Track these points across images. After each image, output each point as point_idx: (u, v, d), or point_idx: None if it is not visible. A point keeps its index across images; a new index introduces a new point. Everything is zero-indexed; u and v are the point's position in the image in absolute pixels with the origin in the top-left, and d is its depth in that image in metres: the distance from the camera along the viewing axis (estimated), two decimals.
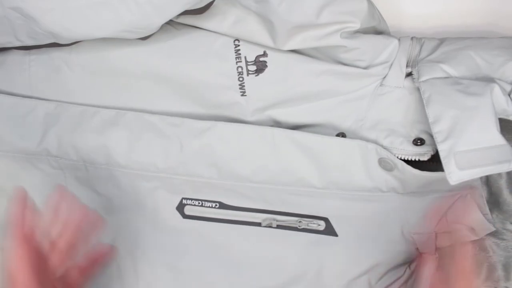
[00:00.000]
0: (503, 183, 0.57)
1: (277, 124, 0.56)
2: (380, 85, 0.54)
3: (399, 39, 0.54)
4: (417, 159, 0.53)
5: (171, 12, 0.49)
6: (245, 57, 0.54)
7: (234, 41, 0.54)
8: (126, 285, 0.59)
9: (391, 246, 0.56)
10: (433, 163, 0.54)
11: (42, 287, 0.45)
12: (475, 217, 0.55)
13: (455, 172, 0.46)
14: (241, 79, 0.54)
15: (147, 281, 0.59)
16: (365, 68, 0.53)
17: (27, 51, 0.56)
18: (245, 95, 0.55)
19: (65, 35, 0.50)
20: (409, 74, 0.53)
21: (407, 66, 0.53)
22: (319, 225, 0.57)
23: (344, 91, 0.54)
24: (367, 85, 0.54)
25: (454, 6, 0.63)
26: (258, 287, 0.58)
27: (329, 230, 0.57)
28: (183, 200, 0.58)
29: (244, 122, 0.56)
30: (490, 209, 0.58)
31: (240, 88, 0.54)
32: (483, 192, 0.58)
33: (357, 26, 0.51)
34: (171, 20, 0.51)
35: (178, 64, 0.55)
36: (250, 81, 0.54)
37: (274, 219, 0.57)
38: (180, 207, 0.58)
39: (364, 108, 0.54)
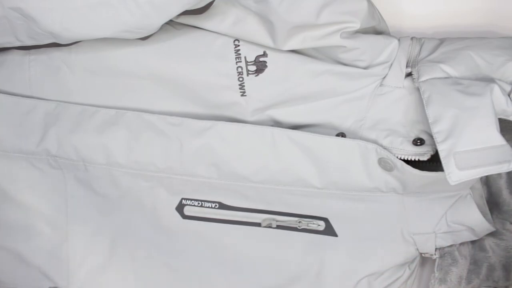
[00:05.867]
0: (503, 183, 0.57)
1: (278, 124, 0.56)
2: (380, 85, 0.54)
3: (399, 39, 0.54)
4: (417, 159, 0.53)
5: (171, 12, 0.49)
6: (245, 57, 0.54)
7: (234, 41, 0.54)
8: (126, 286, 0.59)
9: (391, 246, 0.56)
10: (433, 163, 0.54)
11: None
12: (475, 217, 0.55)
13: (455, 172, 0.46)
14: (241, 79, 0.54)
15: (147, 281, 0.59)
16: (365, 68, 0.53)
17: (27, 51, 0.56)
18: (245, 95, 0.55)
19: (65, 35, 0.50)
20: (409, 74, 0.53)
21: (407, 66, 0.53)
22: (319, 225, 0.57)
23: (344, 91, 0.54)
24: (367, 85, 0.54)
25: (454, 6, 0.63)
26: (258, 287, 0.58)
27: (329, 230, 0.57)
28: (183, 200, 0.58)
29: (244, 122, 0.56)
30: (490, 209, 0.58)
31: (240, 88, 0.54)
32: (483, 192, 0.58)
33: (357, 26, 0.51)
34: (171, 20, 0.51)
35: (178, 64, 0.55)
36: (250, 81, 0.54)
37: (273, 219, 0.57)
38: (180, 208, 0.58)
39: (364, 108, 0.54)
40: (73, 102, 0.57)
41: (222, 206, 0.57)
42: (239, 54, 0.54)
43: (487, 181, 0.59)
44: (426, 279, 0.64)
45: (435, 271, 0.57)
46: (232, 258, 0.58)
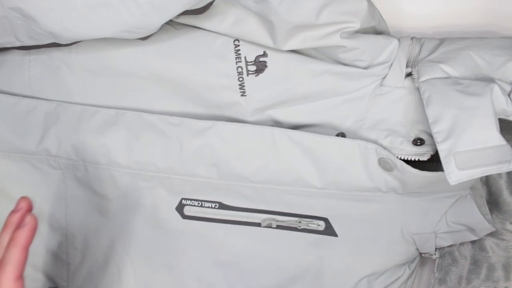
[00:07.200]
0: (503, 183, 0.57)
1: (278, 124, 0.56)
2: (380, 85, 0.54)
3: (399, 39, 0.54)
4: (417, 159, 0.53)
5: (171, 12, 0.49)
6: (245, 57, 0.54)
7: (234, 41, 0.54)
8: (126, 286, 0.59)
9: (391, 246, 0.56)
10: (433, 163, 0.54)
11: None
12: (475, 217, 0.55)
13: (455, 172, 0.46)
14: (241, 79, 0.54)
15: (146, 281, 0.59)
16: (365, 68, 0.53)
17: (27, 51, 0.56)
18: (245, 95, 0.55)
19: (65, 35, 0.50)
20: (409, 74, 0.53)
21: (407, 66, 0.53)
22: (319, 225, 0.57)
23: (344, 91, 0.54)
24: (367, 85, 0.54)
25: (454, 6, 0.63)
26: (257, 287, 0.58)
27: (329, 231, 0.57)
28: (183, 200, 0.58)
29: (245, 122, 0.56)
30: (490, 209, 0.58)
31: (240, 88, 0.54)
32: (483, 192, 0.58)
33: (357, 26, 0.51)
34: (171, 20, 0.51)
35: (178, 64, 0.55)
36: (250, 81, 0.54)
37: (273, 219, 0.57)
38: (180, 208, 0.58)
39: (364, 108, 0.54)
40: (73, 102, 0.57)
41: (222, 206, 0.57)
42: (239, 54, 0.54)
43: (487, 181, 0.59)
44: (426, 279, 0.64)
45: (435, 271, 0.57)
46: (232, 258, 0.58)
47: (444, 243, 0.57)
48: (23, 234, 0.43)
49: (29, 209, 0.45)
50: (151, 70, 0.55)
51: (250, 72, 0.54)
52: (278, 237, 0.57)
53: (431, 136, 0.51)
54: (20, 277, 0.43)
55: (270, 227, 0.57)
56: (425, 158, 0.53)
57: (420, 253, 0.58)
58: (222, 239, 0.58)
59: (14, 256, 0.42)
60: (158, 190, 0.57)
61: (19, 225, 0.44)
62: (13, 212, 0.45)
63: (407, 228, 0.56)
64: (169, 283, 0.59)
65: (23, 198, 0.46)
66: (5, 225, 0.45)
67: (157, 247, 0.58)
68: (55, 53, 0.56)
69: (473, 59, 0.51)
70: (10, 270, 0.42)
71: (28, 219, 0.44)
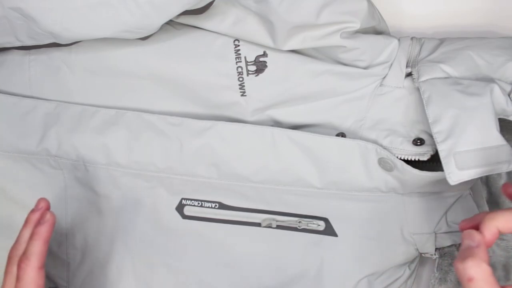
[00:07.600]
0: (502, 183, 0.57)
1: (278, 124, 0.56)
2: (380, 85, 0.54)
3: (399, 39, 0.54)
4: (417, 159, 0.53)
5: (171, 12, 0.49)
6: (245, 57, 0.54)
7: (234, 41, 0.54)
8: (126, 286, 0.59)
9: (391, 246, 0.56)
10: (433, 163, 0.54)
11: None
12: None
13: (455, 172, 0.46)
14: (241, 79, 0.54)
15: (147, 282, 0.59)
16: (365, 68, 0.53)
17: (27, 51, 0.56)
18: (245, 95, 0.55)
19: (65, 35, 0.50)
20: (409, 74, 0.53)
21: (407, 66, 0.53)
22: (319, 225, 0.57)
23: (344, 91, 0.54)
24: (367, 85, 0.54)
25: (454, 6, 0.63)
26: (257, 287, 0.58)
27: (329, 231, 0.57)
28: (183, 200, 0.58)
29: (245, 122, 0.56)
30: (490, 209, 0.58)
31: (240, 88, 0.54)
32: (483, 192, 0.58)
33: (357, 26, 0.51)
34: (171, 20, 0.51)
35: (177, 64, 0.55)
36: (250, 81, 0.54)
37: (273, 219, 0.57)
38: (180, 208, 0.58)
39: (364, 108, 0.54)
40: (73, 102, 0.57)
41: (222, 206, 0.57)
42: (239, 54, 0.54)
43: (487, 181, 0.59)
44: (426, 279, 0.64)
45: (435, 271, 0.57)
46: (232, 258, 0.58)
47: (444, 243, 0.57)
48: (44, 229, 0.48)
49: (47, 208, 0.50)
50: (151, 70, 0.55)
51: (250, 72, 0.54)
52: (278, 237, 0.57)
53: (431, 136, 0.51)
54: (42, 267, 0.48)
55: (270, 227, 0.57)
56: (425, 158, 0.53)
57: (420, 253, 0.58)
58: (222, 239, 0.58)
59: (37, 248, 0.47)
60: (158, 190, 0.57)
61: (39, 222, 0.49)
62: (33, 211, 0.50)
63: (407, 228, 0.56)
64: (169, 283, 0.59)
65: (42, 199, 0.51)
66: (26, 222, 0.50)
67: (157, 247, 0.58)
68: (55, 53, 0.56)
69: (473, 59, 0.51)
70: (34, 261, 0.47)
71: (48, 216, 0.49)
